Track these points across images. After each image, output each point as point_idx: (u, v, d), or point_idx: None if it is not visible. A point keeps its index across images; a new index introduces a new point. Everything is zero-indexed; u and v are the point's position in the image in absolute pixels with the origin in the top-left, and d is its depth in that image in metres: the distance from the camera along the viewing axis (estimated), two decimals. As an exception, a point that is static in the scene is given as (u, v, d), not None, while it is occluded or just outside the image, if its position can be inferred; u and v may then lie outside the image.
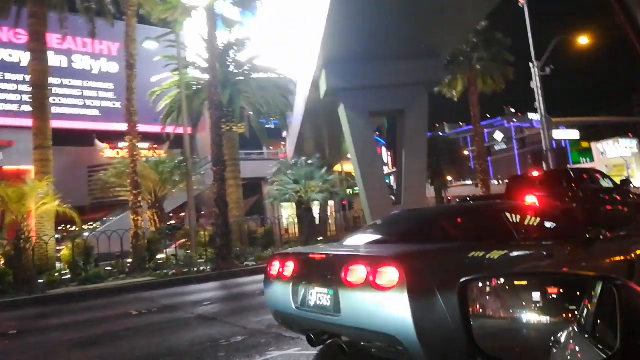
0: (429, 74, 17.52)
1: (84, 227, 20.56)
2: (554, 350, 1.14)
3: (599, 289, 1.04)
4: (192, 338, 5.77)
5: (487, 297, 1.42)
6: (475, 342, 1.24)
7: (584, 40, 23.07)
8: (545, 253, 3.77)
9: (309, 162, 21.53)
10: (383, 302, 3.09)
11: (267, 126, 28.64)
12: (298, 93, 26.07)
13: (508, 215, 4.19)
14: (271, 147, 40.15)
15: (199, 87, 23.48)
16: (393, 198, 18.41)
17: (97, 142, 36.46)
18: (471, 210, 5.03)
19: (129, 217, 16.30)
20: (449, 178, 35.41)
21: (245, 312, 7.19)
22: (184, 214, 29.92)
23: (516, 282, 1.41)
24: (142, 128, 18.29)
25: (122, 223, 18.51)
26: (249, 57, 24.32)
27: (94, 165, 30.61)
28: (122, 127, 17.78)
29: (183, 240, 17.80)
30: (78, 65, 37.62)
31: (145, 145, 29.57)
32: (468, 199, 10.30)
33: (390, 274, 3.07)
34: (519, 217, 4.29)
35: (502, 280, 1.44)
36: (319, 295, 3.57)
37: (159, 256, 15.39)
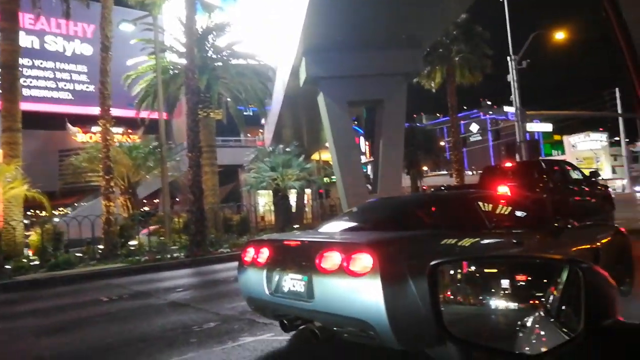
0: (409, 64, 17.61)
1: (54, 212, 20.04)
2: (521, 334, 1.16)
3: (565, 274, 1.06)
4: (164, 324, 5.71)
5: (458, 282, 1.42)
6: (444, 325, 1.24)
7: (560, 35, 23.48)
8: (515, 241, 3.85)
9: (287, 150, 21.46)
10: (356, 288, 3.12)
11: (245, 113, 28.33)
12: (277, 80, 25.87)
13: (480, 204, 4.26)
14: (249, 135, 39.82)
15: (176, 71, 23.03)
16: (370, 187, 18.55)
17: (69, 125, 35.50)
18: (444, 199, 5.10)
19: (101, 203, 15.97)
20: (425, 168, 35.82)
21: (219, 298, 7.15)
22: (158, 200, 29.50)
23: (486, 269, 1.42)
24: (116, 112, 17.86)
25: (94, 209, 18.14)
26: (228, 42, 23.94)
27: (66, 149, 29.81)
28: (96, 110, 17.32)
29: (156, 227, 17.54)
30: (51, 47, 36.46)
31: (120, 130, 28.94)
32: (443, 188, 10.43)
33: (363, 261, 3.11)
34: (490, 206, 4.37)
35: (472, 263, 1.45)
36: (292, 282, 3.59)
37: (132, 242, 15.14)
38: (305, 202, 29.87)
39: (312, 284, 3.37)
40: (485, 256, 1.54)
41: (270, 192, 22.09)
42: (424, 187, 31.51)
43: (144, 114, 24.85)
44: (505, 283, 1.28)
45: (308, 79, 17.23)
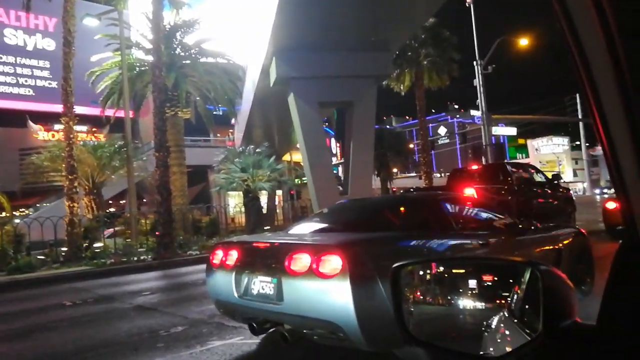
0: (379, 67, 17.75)
1: (14, 213, 19.26)
2: (486, 334, 1.17)
3: (527, 275, 1.07)
4: (130, 329, 5.57)
5: (424, 284, 1.44)
6: (407, 328, 1.24)
7: (525, 42, 24.19)
8: (480, 242, 3.94)
9: (258, 150, 21.26)
10: (325, 290, 3.12)
11: (214, 113, 27.98)
12: (247, 80, 25.63)
13: (447, 205, 4.34)
14: (218, 135, 39.34)
15: (143, 69, 22.53)
16: (341, 188, 18.61)
17: (30, 123, 34.20)
18: (413, 200, 5.16)
19: (64, 204, 15.44)
20: (395, 170, 36.25)
21: (187, 302, 7.02)
22: (124, 201, 28.76)
23: (452, 270, 1.44)
24: (80, 110, 17.33)
25: (57, 210, 17.50)
26: (197, 40, 23.60)
27: (27, 147, 28.68)
28: (58, 108, 16.74)
29: (121, 228, 17.09)
30: (11, 41, 35.05)
31: (84, 128, 28.09)
32: (412, 190, 10.58)
33: (333, 262, 3.11)
34: (457, 207, 4.46)
35: (436, 265, 1.46)
36: (262, 284, 3.56)
37: (97, 245, 14.71)
38: (277, 203, 29.72)
39: (282, 286, 3.35)
40: (449, 258, 1.57)
41: (241, 193, 21.86)
42: (394, 189, 31.88)
43: (109, 112, 24.20)
44: (470, 284, 1.30)
45: (278, 79, 17.15)
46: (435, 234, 3.80)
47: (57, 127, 29.25)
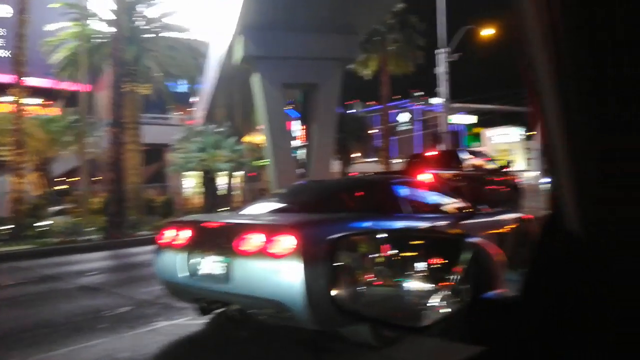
0: (346, 50, 17.70)
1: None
2: (424, 312, 1.18)
3: (464, 252, 1.11)
4: (73, 309, 5.37)
5: (365, 259, 1.41)
6: (338, 303, 1.23)
7: (492, 31, 24.48)
8: (430, 224, 3.99)
9: (218, 130, 20.84)
10: (276, 270, 3.14)
11: (175, 90, 27.16)
12: (211, 57, 24.98)
13: (401, 189, 4.37)
14: (179, 113, 38.28)
15: (102, 40, 21.47)
16: (303, 170, 18.59)
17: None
18: (367, 183, 5.19)
19: (8, 179, 14.67)
20: (356, 154, 36.48)
21: (135, 282, 6.84)
22: (76, 178, 27.66)
23: (391, 243, 1.42)
24: (33, 81, 16.46)
25: (1, 186, 16.63)
26: (160, 13, 22.68)
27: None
28: (9, 78, 15.76)
29: (71, 206, 16.46)
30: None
31: (38, 101, 26.65)
32: (373, 174, 10.70)
33: (285, 242, 3.13)
34: (410, 191, 4.50)
35: (376, 238, 1.44)
36: (212, 264, 3.53)
37: (44, 223, 14.09)
38: (237, 184, 29.37)
39: (232, 266, 3.34)
40: (386, 230, 1.59)
41: (200, 173, 21.46)
42: (353, 173, 32.14)
43: (64, 85, 23.01)
44: (413, 260, 1.30)
45: (244, 57, 16.80)
46: (387, 216, 3.82)
47: (5, 98, 27.68)
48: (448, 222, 4.27)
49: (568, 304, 0.74)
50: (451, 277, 1.15)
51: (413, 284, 1.27)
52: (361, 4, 15.51)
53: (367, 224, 3.56)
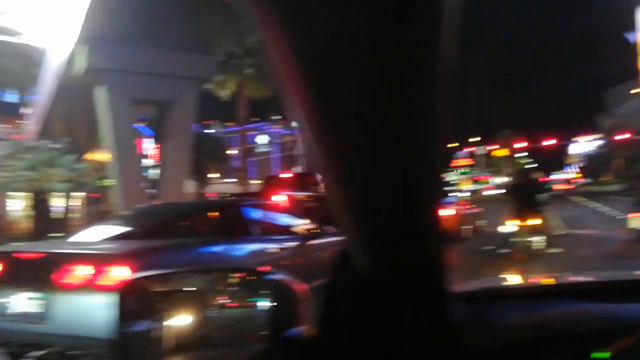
0: (200, 70, 17.50)
1: None
2: (227, 344, 1.20)
3: (264, 289, 1.08)
4: None
5: (173, 296, 1.38)
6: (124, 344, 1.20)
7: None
8: (278, 247, 4.13)
9: (54, 146, 18.65)
10: (105, 304, 2.88)
11: (3, 99, 23.76)
12: (49, 65, 22.46)
13: (249, 211, 4.45)
14: (10, 126, 33.35)
15: None
16: (155, 190, 17.67)
17: None
18: (216, 206, 5.18)
19: None
20: (214, 175, 35.82)
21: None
22: None
23: (196, 282, 1.41)
24: None
25: None
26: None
27: None
28: None
29: None
30: None
31: None
32: (229, 196, 10.61)
33: (115, 274, 2.92)
34: (259, 213, 4.61)
35: (183, 275, 1.43)
36: (26, 302, 3.15)
37: None
38: (75, 207, 26.43)
39: (52, 302, 3.02)
40: (189, 270, 1.54)
41: (29, 194, 18.88)
42: (209, 195, 31.49)
43: None
44: (215, 299, 1.29)
45: (88, 69, 15.53)
46: (235, 239, 3.85)
47: None
48: (296, 242, 4.47)
49: (358, 334, 0.76)
50: (251, 315, 1.13)
51: (214, 324, 1.25)
52: (215, 27, 15.65)
53: (211, 250, 3.53)
